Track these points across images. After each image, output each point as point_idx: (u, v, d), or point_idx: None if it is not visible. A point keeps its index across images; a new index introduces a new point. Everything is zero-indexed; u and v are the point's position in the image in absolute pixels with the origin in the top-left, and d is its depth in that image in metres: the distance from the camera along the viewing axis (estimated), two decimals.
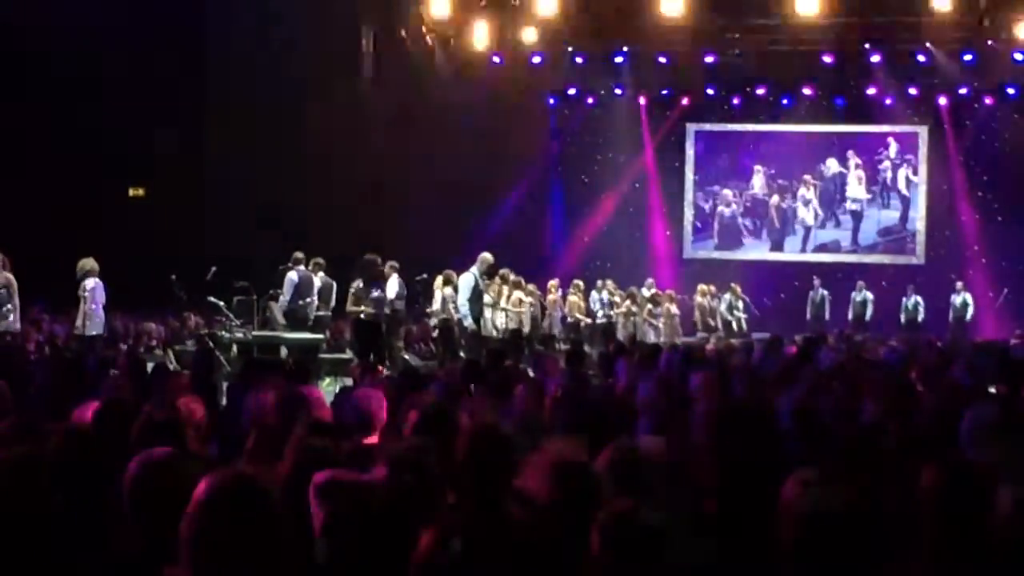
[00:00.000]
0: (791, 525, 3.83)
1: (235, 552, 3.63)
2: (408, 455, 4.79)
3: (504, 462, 5.10)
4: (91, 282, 17.48)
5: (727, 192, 31.40)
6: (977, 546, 4.19)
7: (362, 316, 18.06)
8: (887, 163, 30.64)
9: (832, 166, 30.84)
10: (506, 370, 10.88)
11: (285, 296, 18.90)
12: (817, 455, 6.13)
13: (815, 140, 30.90)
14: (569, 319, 24.40)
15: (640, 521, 3.85)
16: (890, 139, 30.62)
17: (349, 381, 13.88)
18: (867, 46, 27.39)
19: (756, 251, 31.17)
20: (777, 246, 31.09)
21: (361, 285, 18.10)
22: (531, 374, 11.30)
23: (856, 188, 30.72)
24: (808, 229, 31.01)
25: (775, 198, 31.09)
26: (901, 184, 30.53)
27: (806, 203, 30.97)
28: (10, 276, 16.67)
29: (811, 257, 30.57)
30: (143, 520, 4.24)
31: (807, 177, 30.90)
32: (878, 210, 30.71)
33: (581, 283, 25.32)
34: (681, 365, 10.96)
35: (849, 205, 30.78)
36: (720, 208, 31.48)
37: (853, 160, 30.67)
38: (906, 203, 30.53)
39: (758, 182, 31.31)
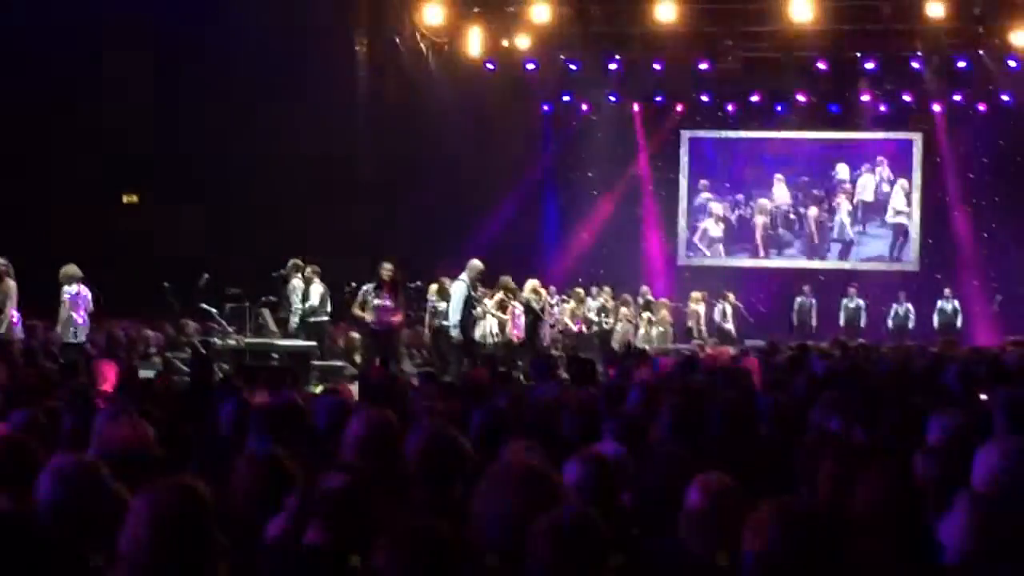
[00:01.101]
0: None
1: (175, 563, 3.62)
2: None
3: (459, 465, 5.12)
4: (72, 288, 17.45)
5: (764, 201, 31.30)
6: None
7: (370, 323, 18.15)
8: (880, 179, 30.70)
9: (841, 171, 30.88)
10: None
11: (296, 303, 18.97)
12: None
13: (826, 147, 30.94)
14: (564, 326, 24.37)
15: (581, 525, 3.86)
16: (880, 158, 30.64)
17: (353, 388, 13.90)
18: (861, 53, 27.41)
19: (751, 259, 31.15)
20: (817, 256, 30.97)
21: (368, 290, 18.16)
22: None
23: (899, 200, 30.62)
24: (849, 242, 30.94)
25: (813, 209, 31.00)
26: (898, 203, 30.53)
27: (850, 214, 30.91)
28: (11, 282, 16.64)
29: (805, 264, 30.58)
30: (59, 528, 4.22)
31: (847, 187, 30.88)
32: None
33: (579, 290, 25.31)
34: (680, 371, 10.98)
35: (891, 218, 30.69)
36: (757, 217, 31.34)
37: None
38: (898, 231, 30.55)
39: (780, 192, 31.23)
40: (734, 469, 4.80)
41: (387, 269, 18.23)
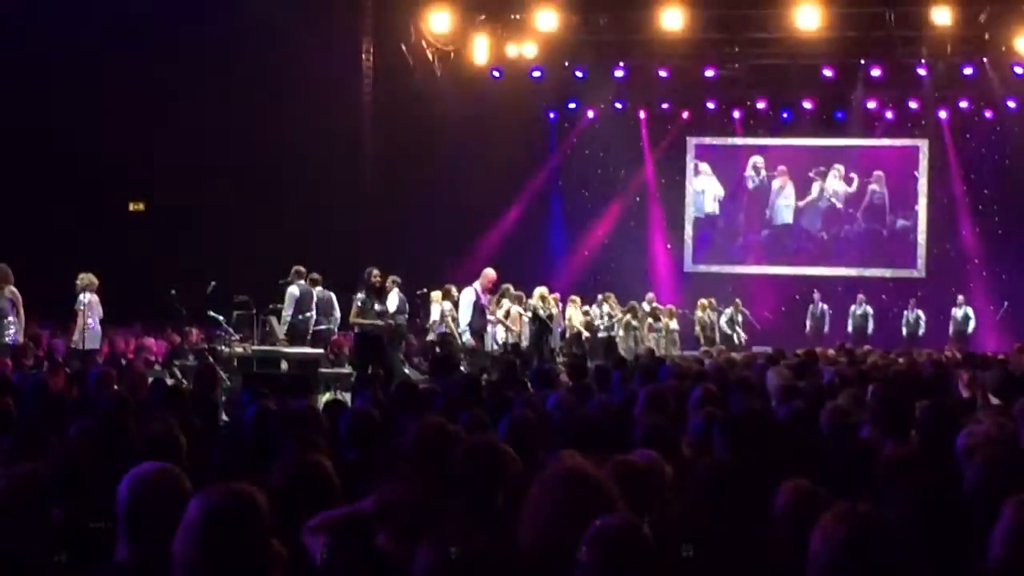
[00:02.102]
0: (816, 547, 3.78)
1: (228, 569, 3.63)
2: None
3: (501, 476, 5.09)
4: (88, 296, 17.50)
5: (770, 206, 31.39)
6: None
7: (364, 330, 18.02)
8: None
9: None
10: (505, 385, 10.89)
11: (287, 311, 18.89)
12: (814, 468, 6.14)
13: (831, 154, 30.97)
14: (570, 333, 24.34)
15: (632, 534, 3.84)
16: (879, 173, 30.64)
17: (348, 396, 13.90)
18: (867, 60, 27.41)
19: (757, 265, 31.13)
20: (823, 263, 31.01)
21: (363, 298, 18.07)
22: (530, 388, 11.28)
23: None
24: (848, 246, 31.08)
25: (818, 215, 31.07)
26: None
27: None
28: (14, 289, 16.68)
29: (812, 271, 30.54)
30: (135, 535, 4.23)
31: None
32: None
33: (577, 298, 25.27)
34: (679, 379, 10.95)
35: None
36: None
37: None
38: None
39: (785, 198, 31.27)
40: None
41: (375, 275, 18.18)
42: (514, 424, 6.59)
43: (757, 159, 31.34)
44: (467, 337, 18.88)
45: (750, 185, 31.43)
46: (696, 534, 4.90)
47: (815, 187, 30.96)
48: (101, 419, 6.88)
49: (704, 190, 31.73)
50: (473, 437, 5.53)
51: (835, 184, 30.88)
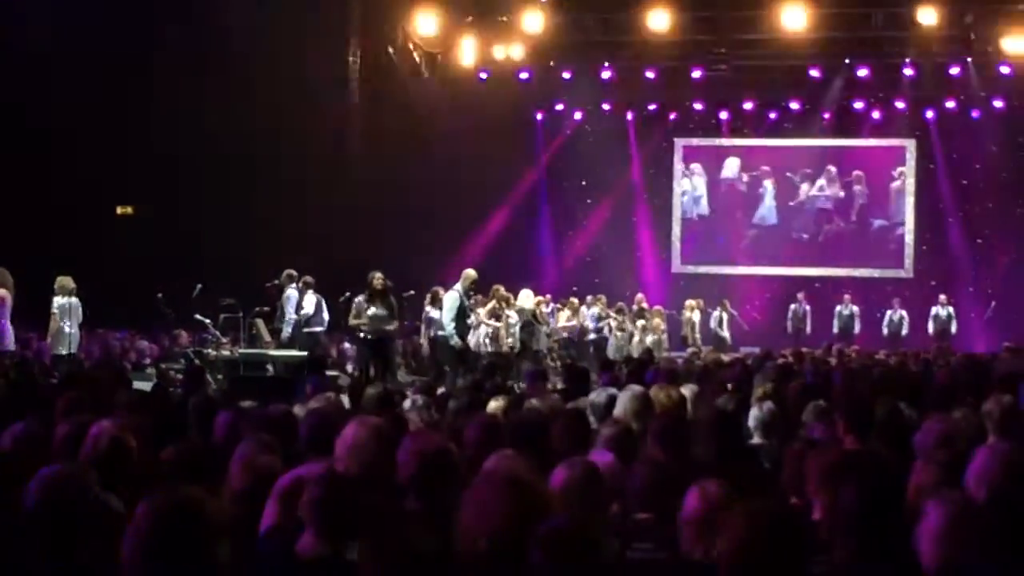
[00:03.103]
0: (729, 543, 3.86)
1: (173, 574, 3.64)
2: None
3: (452, 478, 5.13)
4: (62, 300, 17.47)
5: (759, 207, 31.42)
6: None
7: (361, 333, 18.07)
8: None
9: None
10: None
11: (290, 313, 18.92)
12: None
13: (819, 154, 31.02)
14: (560, 335, 24.36)
15: (578, 533, 3.88)
16: (865, 173, 30.70)
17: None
18: (854, 60, 27.46)
19: (744, 265, 31.15)
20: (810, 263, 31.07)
21: (364, 301, 18.11)
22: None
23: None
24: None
25: (806, 215, 31.15)
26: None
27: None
28: (5, 293, 16.63)
29: (799, 271, 30.55)
30: (43, 538, 4.23)
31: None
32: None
33: (574, 300, 25.28)
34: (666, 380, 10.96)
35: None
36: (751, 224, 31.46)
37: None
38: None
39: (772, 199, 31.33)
40: (724, 478, 4.85)
41: (378, 278, 18.17)
42: (481, 427, 6.63)
43: (743, 160, 31.35)
44: (455, 340, 18.84)
45: (737, 186, 31.46)
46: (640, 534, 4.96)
47: (803, 188, 30.99)
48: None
49: (691, 191, 31.75)
50: (424, 440, 5.52)
51: (821, 185, 30.90)
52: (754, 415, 7.78)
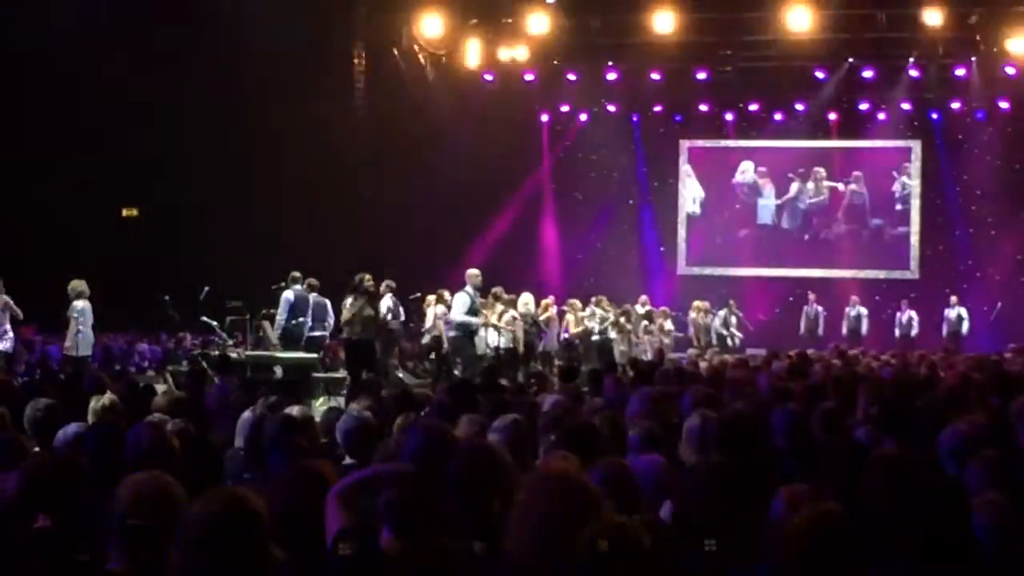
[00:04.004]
0: (787, 544, 3.85)
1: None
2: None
3: (497, 479, 5.09)
4: (80, 303, 17.49)
5: (762, 209, 31.38)
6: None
7: (353, 335, 17.96)
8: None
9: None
10: (501, 388, 10.90)
11: (281, 315, 18.84)
12: (810, 470, 6.17)
13: (825, 156, 30.99)
14: (564, 336, 24.32)
15: (630, 536, 3.84)
16: (870, 174, 30.70)
17: (342, 401, 13.87)
18: (859, 62, 27.42)
19: (750, 267, 31.13)
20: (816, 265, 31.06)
21: (351, 303, 18.01)
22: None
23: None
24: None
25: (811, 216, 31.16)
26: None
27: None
28: (6, 298, 16.67)
29: (805, 272, 30.51)
30: (130, 544, 4.21)
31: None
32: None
33: (577, 301, 25.22)
34: (675, 382, 10.96)
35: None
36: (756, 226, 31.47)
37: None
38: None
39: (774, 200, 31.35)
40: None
41: (368, 280, 18.09)
42: (508, 428, 6.58)
43: (748, 163, 31.34)
44: (452, 333, 18.81)
45: (742, 188, 31.44)
46: (693, 535, 4.93)
47: (809, 187, 30.98)
48: (91, 426, 6.87)
49: (697, 193, 31.74)
50: (469, 441, 5.53)
51: (828, 186, 30.90)
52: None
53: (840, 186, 30.87)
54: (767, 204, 31.29)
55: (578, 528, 3.90)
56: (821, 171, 30.92)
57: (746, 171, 31.38)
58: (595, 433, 6.65)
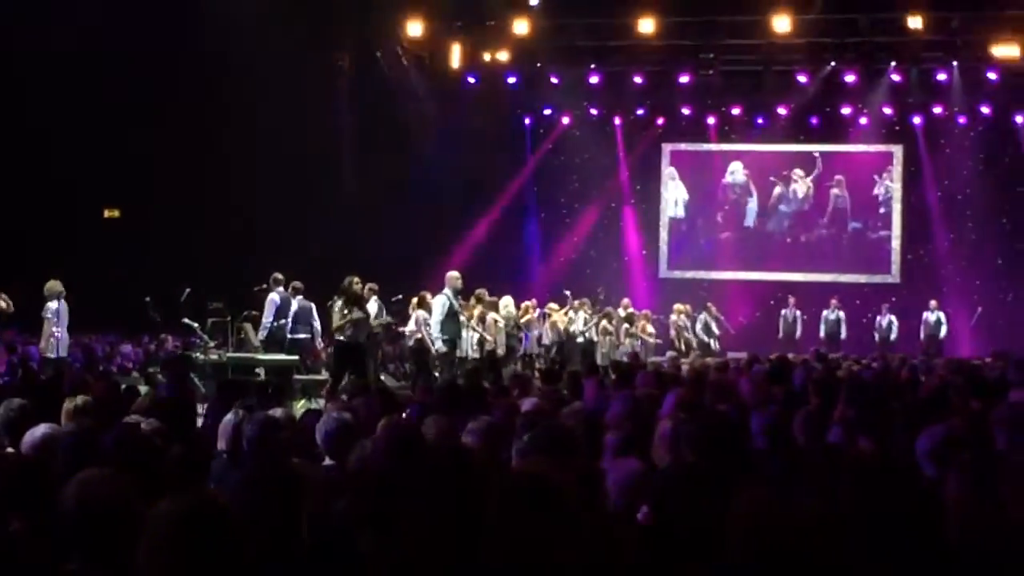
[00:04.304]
0: (748, 542, 3.86)
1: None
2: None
3: (468, 480, 5.09)
4: (54, 304, 17.42)
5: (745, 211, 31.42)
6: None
7: (342, 338, 17.91)
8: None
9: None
10: (482, 390, 10.90)
11: (267, 317, 18.82)
12: (789, 473, 6.19)
13: (806, 160, 31.05)
14: (546, 339, 24.32)
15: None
16: (852, 178, 30.80)
17: (322, 403, 13.86)
18: (841, 66, 27.47)
19: (731, 270, 31.19)
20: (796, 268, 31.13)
21: (341, 306, 17.96)
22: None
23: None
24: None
25: (793, 219, 31.23)
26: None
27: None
28: None
29: (786, 276, 30.56)
30: (88, 544, 4.21)
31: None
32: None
33: (557, 305, 25.22)
34: (656, 385, 10.96)
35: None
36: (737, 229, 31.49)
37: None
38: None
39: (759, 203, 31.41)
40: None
41: (356, 283, 18.04)
42: (482, 430, 6.59)
43: (738, 163, 31.40)
44: (440, 344, 18.80)
45: (732, 189, 31.49)
46: (668, 538, 4.94)
47: (790, 190, 31.05)
48: (66, 428, 6.86)
49: (678, 196, 31.79)
50: (439, 442, 5.53)
51: (807, 189, 30.97)
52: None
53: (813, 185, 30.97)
54: (752, 208, 31.35)
55: (552, 531, 3.91)
56: (798, 172, 30.99)
57: (735, 171, 31.42)
58: (570, 436, 6.66)
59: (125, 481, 4.38)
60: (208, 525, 3.68)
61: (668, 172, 31.78)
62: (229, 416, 7.70)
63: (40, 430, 6.64)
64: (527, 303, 23.34)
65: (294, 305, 19.21)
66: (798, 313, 28.17)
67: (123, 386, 11.47)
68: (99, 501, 4.21)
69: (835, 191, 30.88)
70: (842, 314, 27.75)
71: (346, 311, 17.39)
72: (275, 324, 18.77)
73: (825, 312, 27.84)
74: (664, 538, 4.96)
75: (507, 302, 22.08)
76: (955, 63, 26.90)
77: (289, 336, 19.11)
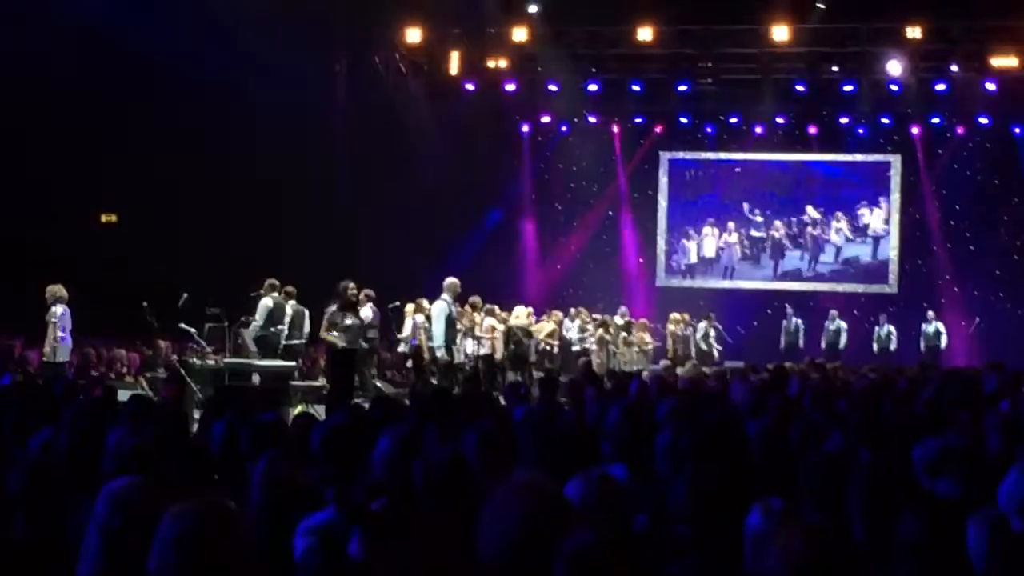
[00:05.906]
0: (780, 560, 3.82)
1: None
2: None
3: (468, 489, 5.08)
4: (59, 308, 17.41)
5: (779, 223, 31.38)
6: None
7: (337, 344, 17.85)
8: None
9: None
10: (479, 397, 10.87)
11: (258, 322, 18.81)
12: (785, 482, 6.17)
13: (804, 169, 31.06)
14: (543, 347, 24.31)
15: (603, 551, 3.82)
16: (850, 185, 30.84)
17: (321, 408, 13.86)
18: (839, 75, 27.48)
19: (729, 279, 31.21)
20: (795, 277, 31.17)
21: (335, 311, 17.91)
22: (503, 402, 11.26)
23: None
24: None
25: (786, 230, 31.23)
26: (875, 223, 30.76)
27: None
28: None
29: (783, 285, 30.59)
30: (109, 551, 4.19)
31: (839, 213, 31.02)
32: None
33: (557, 312, 25.22)
34: (652, 393, 10.95)
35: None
36: (772, 233, 31.44)
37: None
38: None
39: (756, 214, 31.42)
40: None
41: (351, 289, 17.99)
42: (480, 437, 6.57)
43: (728, 173, 31.44)
44: (441, 352, 18.77)
45: (721, 200, 31.50)
46: (669, 549, 4.91)
47: (786, 202, 31.10)
48: (67, 432, 6.84)
49: (677, 203, 31.81)
50: (440, 451, 5.51)
51: (805, 198, 31.04)
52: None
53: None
54: (757, 220, 31.38)
55: (548, 537, 3.89)
56: (813, 214, 31.04)
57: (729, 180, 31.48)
58: (567, 444, 6.65)
59: (155, 490, 4.37)
60: (219, 527, 3.68)
61: (665, 181, 31.77)
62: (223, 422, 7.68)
63: (43, 435, 6.63)
64: (526, 310, 23.33)
65: (288, 310, 19.22)
66: (799, 322, 28.09)
67: (118, 391, 11.47)
68: (128, 509, 4.21)
69: (838, 225, 30.91)
70: (843, 324, 27.70)
71: (337, 319, 17.34)
72: (272, 329, 18.76)
73: (826, 322, 27.79)
74: (662, 547, 4.94)
75: (520, 312, 22.20)
76: (956, 73, 26.89)
77: (284, 342, 19.14)
